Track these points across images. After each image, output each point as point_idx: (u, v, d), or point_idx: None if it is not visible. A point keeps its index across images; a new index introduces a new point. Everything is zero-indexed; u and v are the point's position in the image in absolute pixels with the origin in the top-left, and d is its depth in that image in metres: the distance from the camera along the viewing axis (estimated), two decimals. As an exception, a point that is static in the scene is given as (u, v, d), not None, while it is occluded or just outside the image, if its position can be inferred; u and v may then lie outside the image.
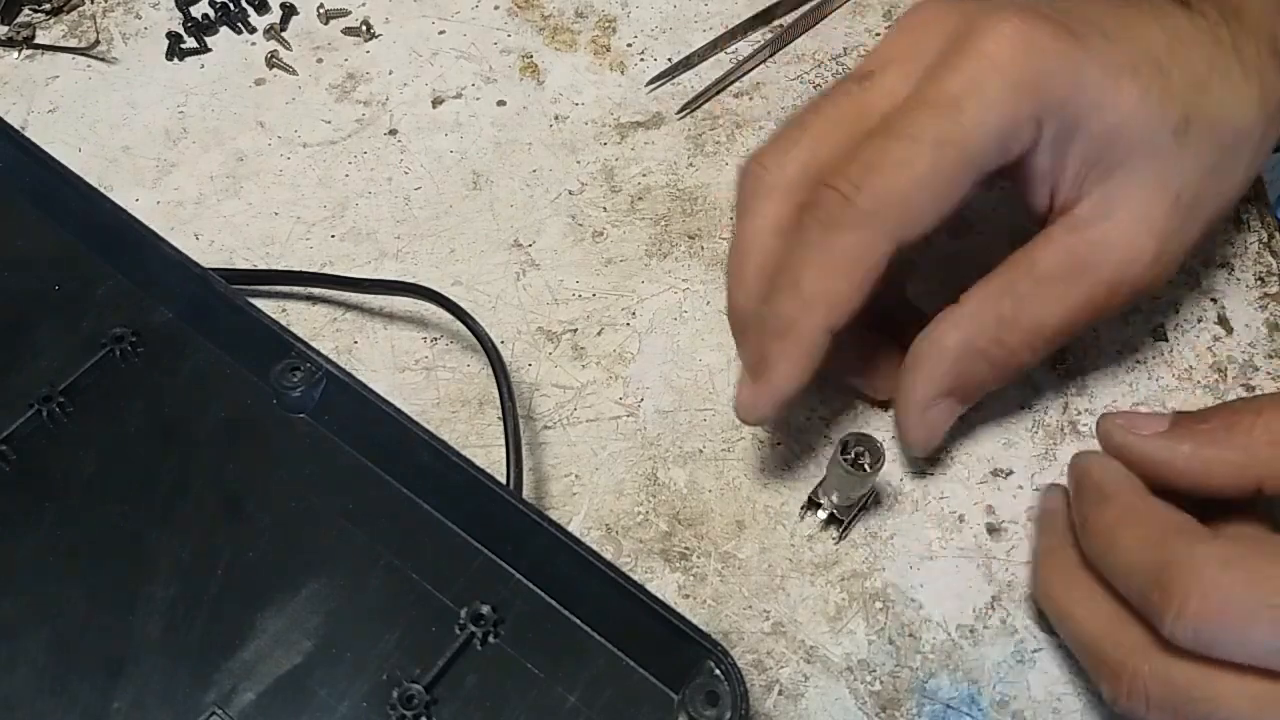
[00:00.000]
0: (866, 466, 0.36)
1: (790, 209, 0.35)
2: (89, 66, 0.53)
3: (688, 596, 0.39)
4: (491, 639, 0.32)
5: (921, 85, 0.34)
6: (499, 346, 0.40)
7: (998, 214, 0.48)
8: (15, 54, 0.53)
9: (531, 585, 0.33)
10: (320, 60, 0.53)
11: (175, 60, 0.53)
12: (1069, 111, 0.34)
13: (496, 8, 0.54)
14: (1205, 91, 0.35)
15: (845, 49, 0.53)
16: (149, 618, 0.32)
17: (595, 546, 0.33)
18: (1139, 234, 0.35)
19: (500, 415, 0.39)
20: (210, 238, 0.47)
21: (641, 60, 0.53)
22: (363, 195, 0.49)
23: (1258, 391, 0.43)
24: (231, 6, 0.54)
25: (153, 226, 0.38)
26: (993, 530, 0.40)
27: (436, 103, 0.51)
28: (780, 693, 0.37)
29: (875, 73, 0.36)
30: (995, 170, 0.34)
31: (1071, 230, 0.36)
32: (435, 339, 0.45)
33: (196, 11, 0.54)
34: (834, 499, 0.39)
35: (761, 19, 0.54)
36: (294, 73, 0.52)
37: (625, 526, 0.40)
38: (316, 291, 0.46)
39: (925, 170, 0.33)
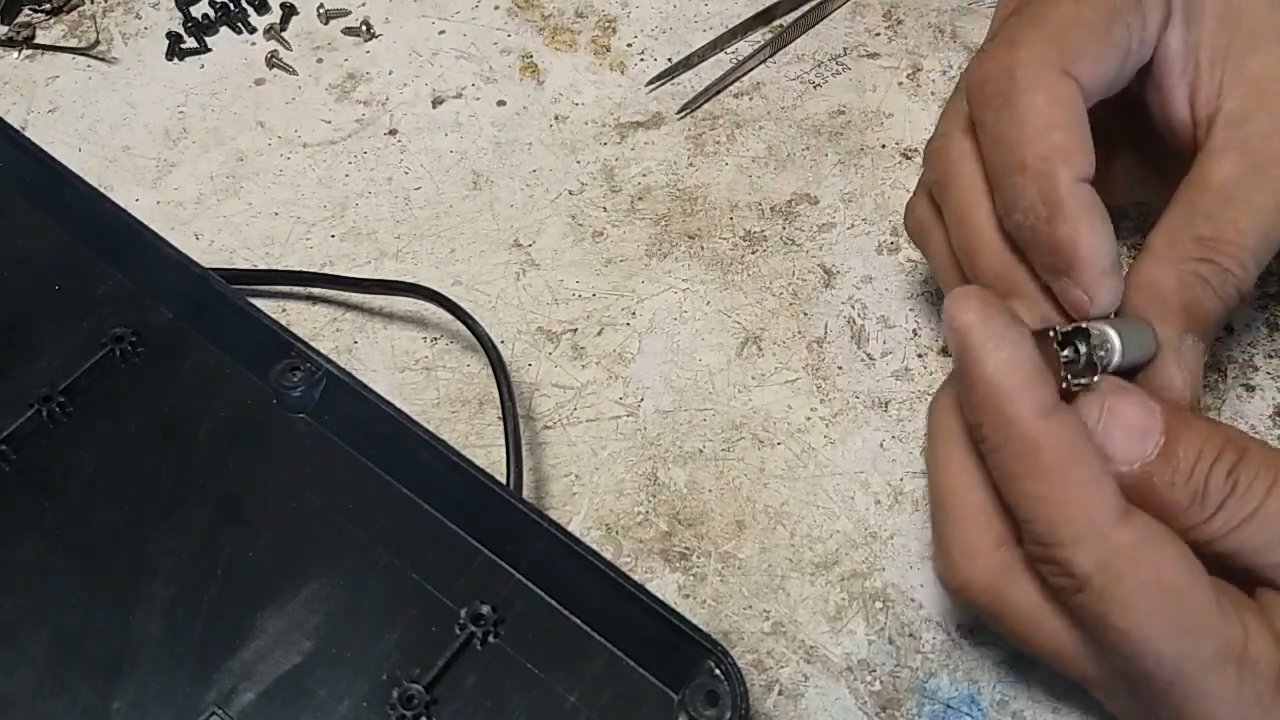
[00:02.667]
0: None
1: (1069, 92, 0.33)
2: (89, 66, 0.53)
3: (688, 596, 0.39)
4: (491, 639, 0.32)
5: None
6: (499, 346, 0.40)
7: (998, 214, 0.48)
8: (15, 54, 0.53)
9: (531, 585, 0.33)
10: (320, 60, 0.53)
11: (175, 60, 0.53)
12: None
13: (496, 8, 0.54)
14: None
15: (845, 49, 0.53)
16: (149, 618, 0.32)
17: (595, 546, 0.33)
18: None
19: (500, 415, 0.39)
20: (210, 238, 0.47)
21: (641, 60, 0.53)
22: (363, 195, 0.49)
23: (1257, 391, 0.43)
24: (231, 6, 0.54)
25: (153, 226, 0.38)
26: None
27: (436, 103, 0.51)
28: (780, 693, 0.37)
29: None
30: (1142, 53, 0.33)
31: (1233, 137, 0.34)
32: (435, 339, 0.45)
33: (196, 11, 0.54)
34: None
35: (761, 19, 0.54)
36: (294, 73, 0.52)
37: (625, 526, 0.40)
38: (316, 291, 0.46)
39: (1086, 14, 0.32)
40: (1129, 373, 0.32)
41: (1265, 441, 0.30)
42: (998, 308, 0.30)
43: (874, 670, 0.38)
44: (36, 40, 0.53)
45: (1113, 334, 0.31)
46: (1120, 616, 0.28)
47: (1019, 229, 0.33)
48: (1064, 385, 0.30)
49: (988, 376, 0.29)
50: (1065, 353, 0.30)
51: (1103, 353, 0.31)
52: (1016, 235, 0.33)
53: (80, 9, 0.54)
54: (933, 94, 0.51)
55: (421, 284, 0.42)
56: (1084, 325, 0.31)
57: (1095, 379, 0.30)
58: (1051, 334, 0.31)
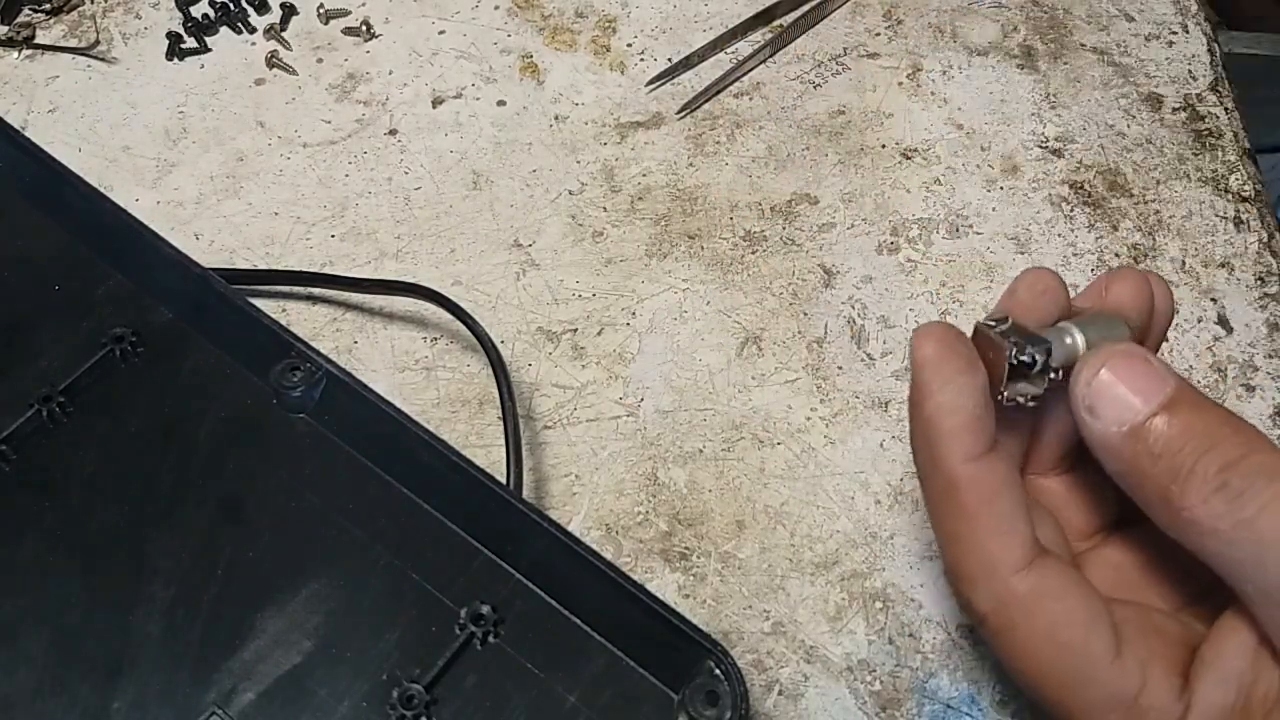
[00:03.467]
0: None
1: None
2: (89, 66, 0.53)
3: (688, 596, 0.39)
4: (491, 639, 0.32)
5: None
6: (499, 346, 0.40)
7: (997, 214, 0.48)
8: (15, 54, 0.53)
9: (531, 585, 0.33)
10: (320, 60, 0.53)
11: (175, 60, 0.53)
12: None
13: (496, 8, 0.54)
14: None
15: (845, 49, 0.53)
16: (149, 618, 0.32)
17: (595, 546, 0.33)
18: None
19: (500, 415, 0.39)
20: (210, 238, 0.47)
21: (641, 60, 0.53)
22: (363, 195, 0.49)
23: (1257, 391, 0.43)
24: (231, 6, 0.54)
25: (153, 226, 0.38)
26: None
27: (436, 103, 0.51)
28: (780, 693, 0.37)
29: None
30: None
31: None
32: (435, 339, 0.45)
33: (196, 11, 0.54)
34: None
35: (761, 19, 0.54)
36: (294, 73, 0.52)
37: (625, 526, 0.40)
38: (316, 291, 0.46)
39: None
40: None
41: (1276, 447, 0.28)
42: (957, 349, 0.30)
43: (874, 670, 0.38)
44: (36, 40, 0.53)
45: (1077, 336, 0.30)
46: (1014, 659, 0.30)
47: None
48: (1000, 396, 0.30)
49: (926, 414, 0.30)
50: (1022, 357, 0.29)
51: (1070, 362, 0.30)
52: None
53: (80, 9, 0.54)
54: (932, 94, 0.51)
55: (421, 284, 0.42)
56: (1042, 333, 0.30)
57: (1038, 392, 0.30)
58: (998, 338, 0.30)
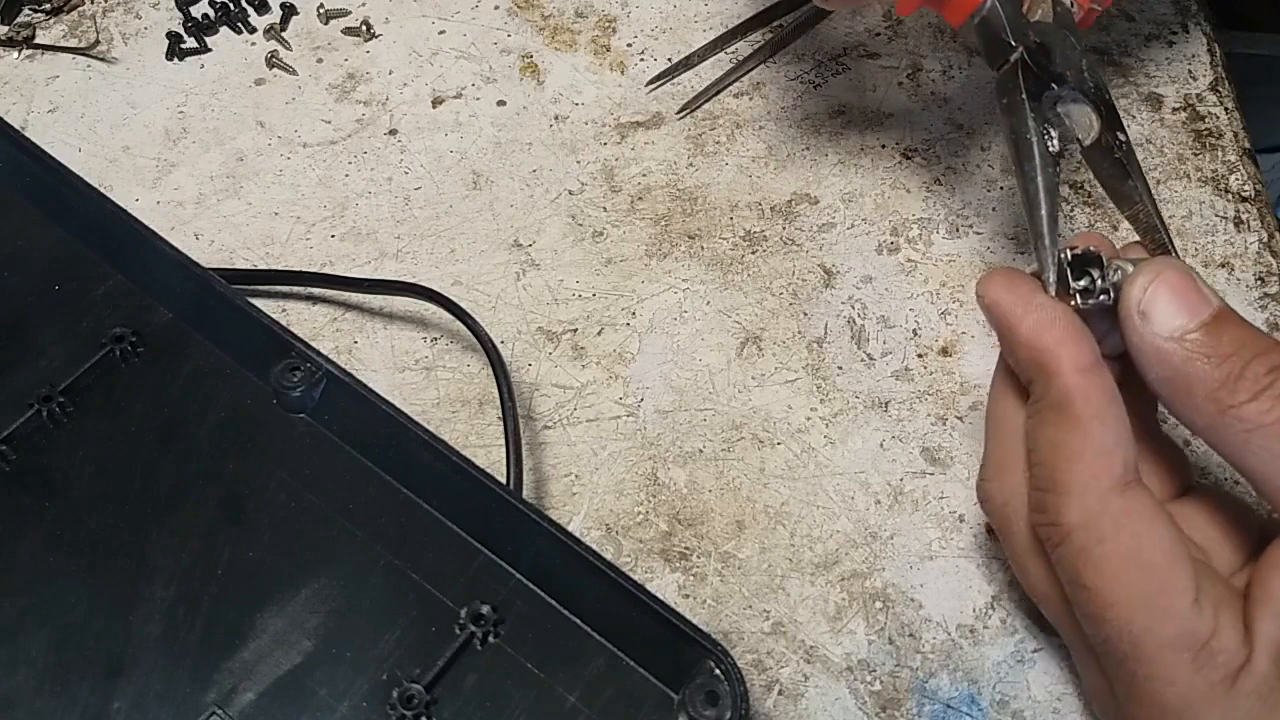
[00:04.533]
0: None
1: None
2: (89, 66, 0.53)
3: (688, 596, 0.39)
4: (491, 639, 0.32)
5: None
6: (499, 346, 0.40)
7: (997, 214, 0.48)
8: (15, 54, 0.53)
9: (531, 585, 0.33)
10: (320, 60, 0.53)
11: (175, 60, 0.53)
12: None
13: (496, 8, 0.54)
14: None
15: (845, 49, 0.53)
16: (149, 618, 0.32)
17: (595, 546, 0.33)
18: None
19: (500, 415, 0.39)
20: (210, 238, 0.47)
21: (641, 60, 0.53)
22: (363, 195, 0.49)
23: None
24: (231, 6, 0.54)
25: (153, 226, 0.38)
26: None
27: (436, 103, 0.51)
28: (780, 693, 0.37)
29: None
30: None
31: None
32: (435, 339, 0.45)
33: (196, 11, 0.54)
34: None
35: (761, 19, 0.54)
36: (294, 73, 0.52)
37: (625, 526, 0.40)
38: (316, 291, 0.46)
39: None
40: None
41: None
42: (1025, 281, 0.31)
43: (874, 670, 0.38)
44: (36, 40, 0.53)
45: (1129, 267, 0.31)
46: (1093, 576, 0.29)
47: None
48: (1073, 303, 0.31)
49: (1024, 340, 0.31)
50: (1081, 282, 0.31)
51: (1117, 283, 0.31)
52: None
53: (80, 9, 0.54)
54: (933, 94, 0.51)
55: (421, 284, 0.42)
56: (1102, 255, 0.32)
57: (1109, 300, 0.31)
58: (1063, 255, 0.31)
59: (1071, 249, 0.32)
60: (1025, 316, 0.31)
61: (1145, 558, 0.29)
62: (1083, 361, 0.30)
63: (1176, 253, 0.35)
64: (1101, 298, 0.31)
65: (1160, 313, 0.30)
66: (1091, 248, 0.32)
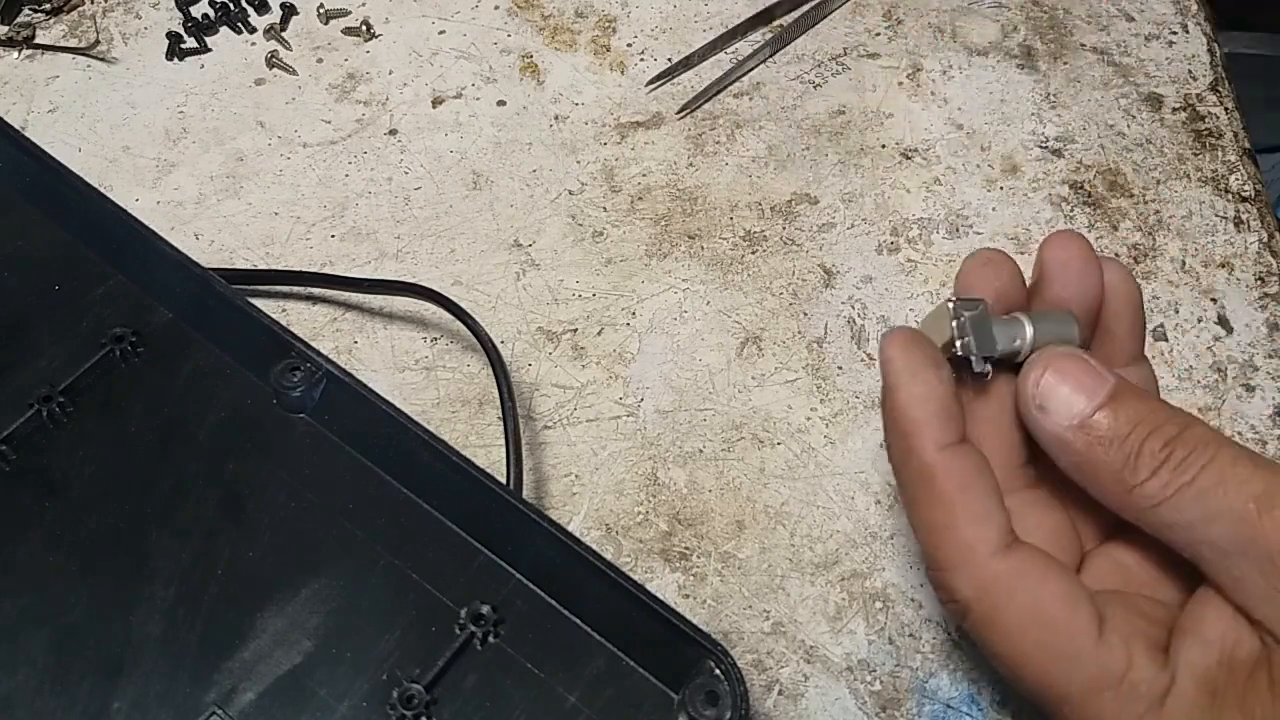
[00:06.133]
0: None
1: None
2: (89, 66, 0.53)
3: (688, 596, 0.39)
4: (491, 639, 0.32)
5: None
6: (499, 346, 0.40)
7: (997, 214, 0.48)
8: (15, 54, 0.53)
9: (531, 585, 0.33)
10: (320, 60, 0.53)
11: (175, 60, 0.53)
12: None
13: (496, 8, 0.54)
14: None
15: (845, 49, 0.53)
16: (149, 618, 0.32)
17: (595, 546, 0.33)
18: None
19: (500, 415, 0.39)
20: (210, 238, 0.47)
21: (641, 60, 0.53)
22: (363, 195, 0.49)
23: (1257, 391, 0.43)
24: (231, 6, 0.54)
25: (153, 226, 0.38)
26: None
27: (436, 103, 0.51)
28: (780, 693, 0.37)
29: None
30: None
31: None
32: (435, 339, 0.45)
33: (196, 11, 0.54)
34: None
35: (761, 19, 0.54)
36: (294, 73, 0.52)
37: (625, 526, 0.40)
38: (316, 291, 0.46)
39: None
40: None
41: (1208, 424, 0.30)
42: (922, 348, 0.31)
43: (874, 670, 0.38)
44: (36, 40, 0.53)
45: (1027, 328, 0.32)
46: (998, 643, 0.30)
47: None
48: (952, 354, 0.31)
49: (899, 406, 0.31)
50: (956, 345, 0.31)
51: (1015, 347, 0.32)
52: None
53: (80, 9, 0.54)
54: (932, 94, 0.51)
55: (421, 284, 0.42)
56: (999, 319, 0.32)
57: (988, 367, 0.31)
58: (949, 305, 0.32)
59: (950, 300, 0.32)
60: (906, 386, 0.31)
61: (1043, 613, 0.30)
62: (945, 439, 0.31)
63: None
64: (988, 366, 0.32)
65: (1057, 403, 0.30)
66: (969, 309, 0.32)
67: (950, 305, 0.32)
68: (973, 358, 0.31)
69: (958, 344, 0.31)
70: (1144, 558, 0.33)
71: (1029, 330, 0.32)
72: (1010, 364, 0.32)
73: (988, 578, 0.30)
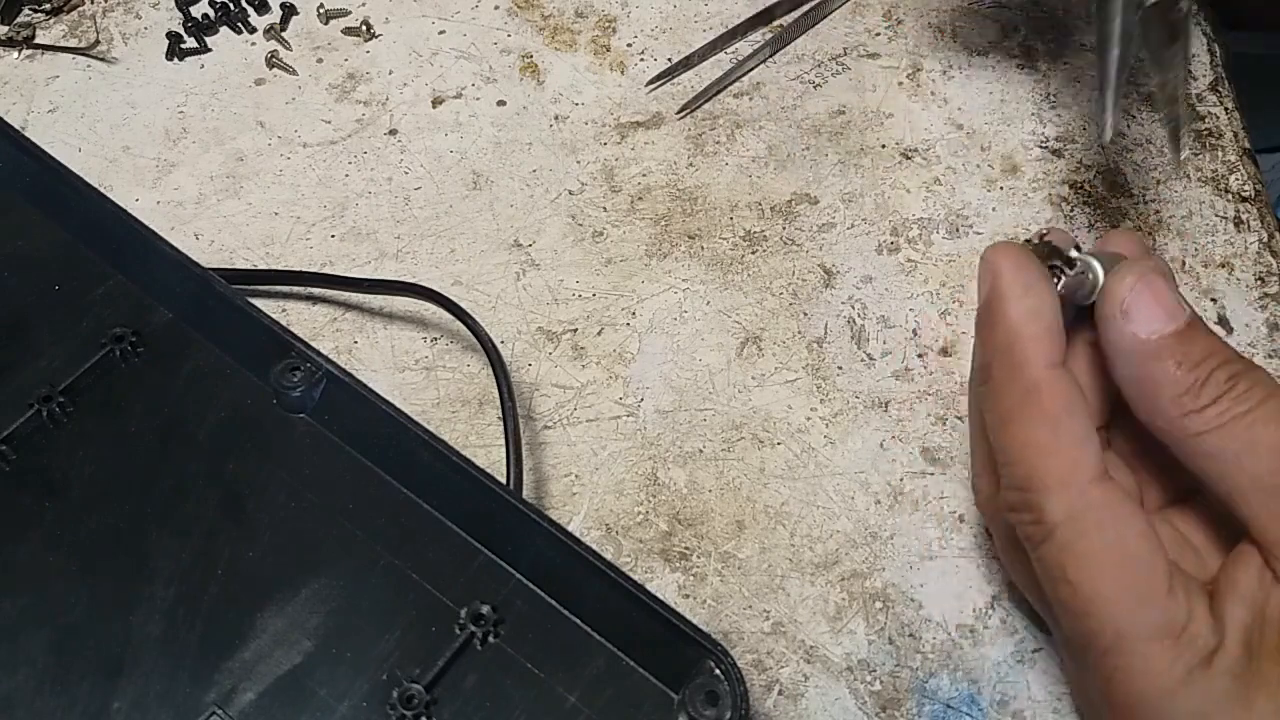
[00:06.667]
0: None
1: None
2: (89, 66, 0.53)
3: (688, 596, 0.39)
4: (491, 639, 0.32)
5: None
6: (499, 346, 0.40)
7: (997, 214, 0.48)
8: (15, 54, 0.53)
9: (531, 585, 0.33)
10: (320, 60, 0.53)
11: (175, 60, 0.53)
12: None
13: (496, 8, 0.54)
14: None
15: (845, 49, 0.53)
16: (149, 618, 0.32)
17: (595, 546, 0.33)
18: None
19: (500, 415, 0.39)
20: (210, 238, 0.47)
21: (641, 60, 0.53)
22: (363, 195, 0.49)
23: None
24: (231, 6, 0.54)
25: (153, 226, 0.38)
26: None
27: (436, 103, 0.51)
28: (780, 693, 0.37)
29: None
30: None
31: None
32: (435, 339, 0.45)
33: (196, 11, 0.54)
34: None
35: (761, 19, 0.54)
36: (294, 73, 0.52)
37: (625, 526, 0.40)
38: (316, 291, 0.46)
39: None
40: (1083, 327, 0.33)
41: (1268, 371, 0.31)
42: (1034, 262, 0.31)
43: (874, 670, 0.38)
44: (36, 40, 0.53)
45: (1096, 265, 0.32)
46: (1077, 570, 0.30)
47: None
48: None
49: (1008, 320, 0.31)
50: (1080, 272, 0.32)
51: (1087, 281, 0.32)
52: None
53: (80, 9, 0.54)
54: (933, 94, 0.51)
55: (421, 284, 0.42)
56: (1071, 255, 0.32)
57: (1091, 298, 0.32)
58: (1032, 243, 0.32)
59: (1041, 235, 0.32)
60: (1018, 299, 0.31)
61: (1129, 549, 0.30)
62: (1054, 357, 0.31)
63: (1183, 142, 0.35)
64: (1090, 296, 0.32)
65: (1141, 313, 0.31)
66: (1057, 242, 0.32)
67: (1040, 240, 0.32)
68: (1075, 289, 0.32)
69: (1065, 276, 0.31)
70: (1195, 527, 0.33)
71: (1095, 263, 0.32)
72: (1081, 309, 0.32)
73: (1084, 503, 0.30)
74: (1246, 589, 0.30)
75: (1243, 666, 0.29)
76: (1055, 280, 0.32)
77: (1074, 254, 0.32)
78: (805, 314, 0.45)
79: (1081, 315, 0.33)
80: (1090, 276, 0.32)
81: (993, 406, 0.32)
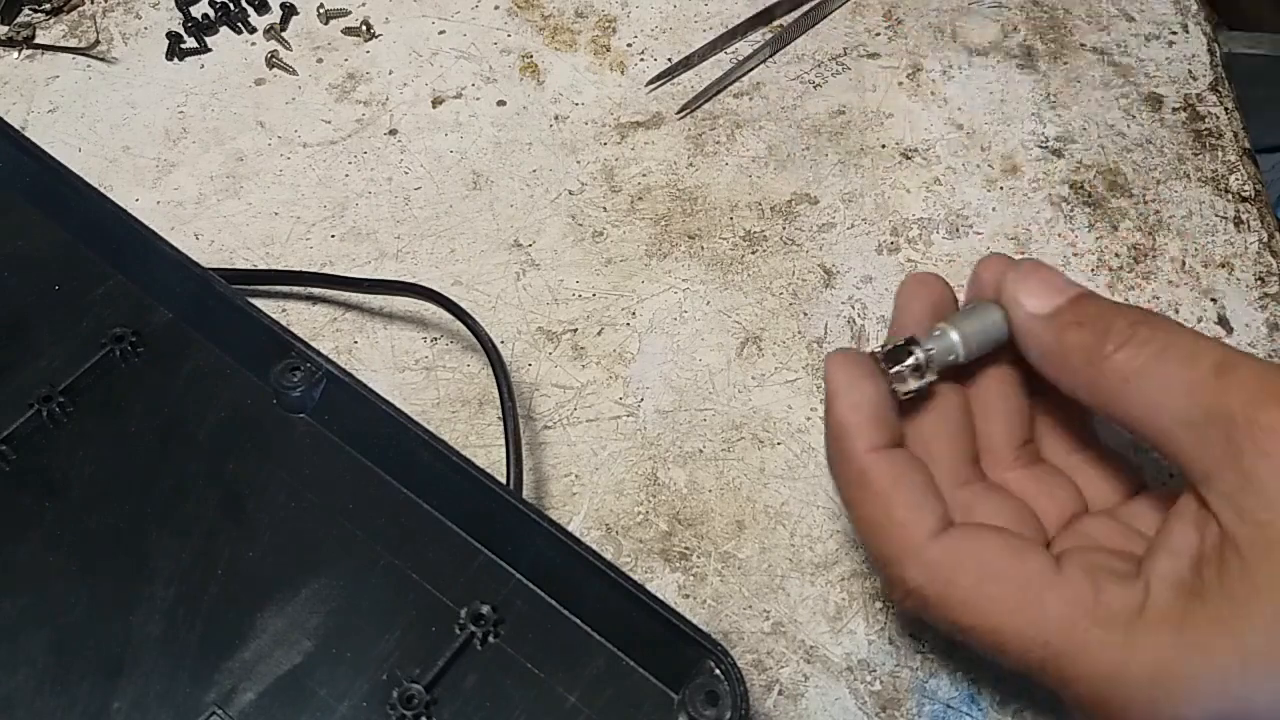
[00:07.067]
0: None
1: None
2: (89, 66, 0.53)
3: (688, 596, 0.39)
4: (491, 639, 0.32)
5: None
6: (499, 346, 0.40)
7: (997, 214, 0.48)
8: (15, 54, 0.53)
9: (531, 585, 0.33)
10: (320, 60, 0.53)
11: (175, 60, 0.53)
12: None
13: (496, 8, 0.54)
14: None
15: (845, 49, 0.53)
16: (149, 618, 0.32)
17: (595, 546, 0.33)
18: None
19: (500, 415, 0.39)
20: (210, 238, 0.47)
21: (641, 60, 0.53)
22: (363, 195, 0.49)
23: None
24: (231, 6, 0.54)
25: (153, 226, 0.38)
26: None
27: (436, 103, 0.51)
28: (780, 693, 0.37)
29: None
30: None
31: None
32: (435, 339, 0.45)
33: (196, 11, 0.54)
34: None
35: (761, 19, 0.54)
36: (294, 73, 0.52)
37: (625, 526, 0.40)
38: (316, 291, 0.46)
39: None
40: (991, 354, 0.34)
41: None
42: (859, 363, 0.33)
43: (874, 670, 0.38)
44: (36, 40, 0.53)
45: (952, 333, 0.33)
46: (963, 615, 0.31)
47: None
48: (898, 398, 0.33)
49: (835, 415, 0.33)
50: (908, 362, 0.33)
51: (950, 355, 0.33)
52: None
53: (80, 9, 0.54)
54: (932, 94, 0.51)
55: (421, 284, 0.42)
56: (913, 338, 0.33)
57: (925, 380, 0.33)
58: (875, 354, 0.33)
59: (883, 346, 0.34)
60: (842, 396, 0.33)
61: (991, 567, 0.30)
62: (877, 442, 0.32)
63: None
64: (927, 378, 0.33)
65: (1033, 292, 0.32)
66: (900, 340, 0.33)
67: (878, 360, 0.33)
68: (912, 391, 0.33)
69: (896, 389, 0.33)
70: (1148, 519, 0.33)
71: (955, 337, 0.33)
72: (952, 370, 0.34)
73: (932, 558, 0.31)
74: (1179, 538, 0.29)
75: (1182, 614, 0.28)
76: (909, 362, 0.33)
77: (936, 330, 0.33)
78: (805, 314, 0.45)
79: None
80: (951, 336, 0.33)
81: (840, 495, 0.33)
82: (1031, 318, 0.32)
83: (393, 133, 0.50)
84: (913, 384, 0.33)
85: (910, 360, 0.33)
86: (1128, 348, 0.30)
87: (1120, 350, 0.30)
